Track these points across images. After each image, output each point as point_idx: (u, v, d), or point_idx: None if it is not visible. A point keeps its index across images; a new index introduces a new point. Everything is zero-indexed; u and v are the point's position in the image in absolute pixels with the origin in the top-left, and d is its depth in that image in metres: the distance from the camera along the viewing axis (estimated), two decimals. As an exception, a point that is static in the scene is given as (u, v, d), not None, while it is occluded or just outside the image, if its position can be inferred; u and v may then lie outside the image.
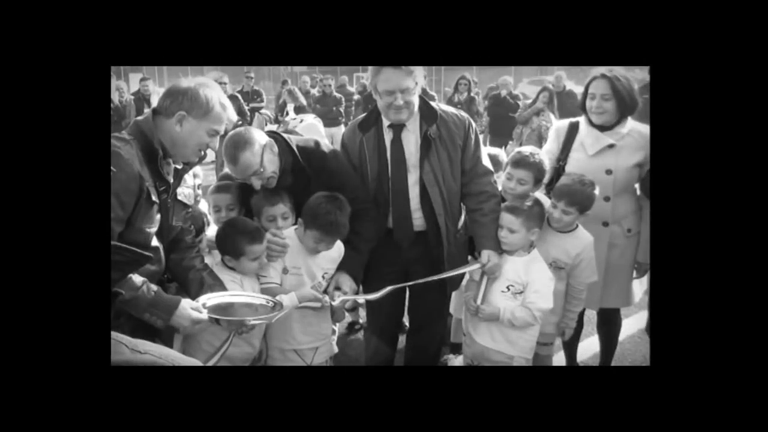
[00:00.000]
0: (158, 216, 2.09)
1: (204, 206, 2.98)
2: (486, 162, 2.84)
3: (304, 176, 2.68)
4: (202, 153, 2.17)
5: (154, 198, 2.01)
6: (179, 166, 2.19)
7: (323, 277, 2.69)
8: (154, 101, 9.70)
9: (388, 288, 2.70)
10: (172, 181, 2.14)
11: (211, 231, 2.74)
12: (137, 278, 1.98)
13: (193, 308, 2.10)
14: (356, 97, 11.57)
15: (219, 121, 2.12)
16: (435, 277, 2.74)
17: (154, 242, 2.14)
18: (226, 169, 2.80)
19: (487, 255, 2.71)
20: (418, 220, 2.78)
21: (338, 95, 10.71)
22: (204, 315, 2.12)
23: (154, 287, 2.02)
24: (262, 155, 2.52)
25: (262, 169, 2.53)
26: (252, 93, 11.22)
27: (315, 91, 11.53)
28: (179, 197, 2.25)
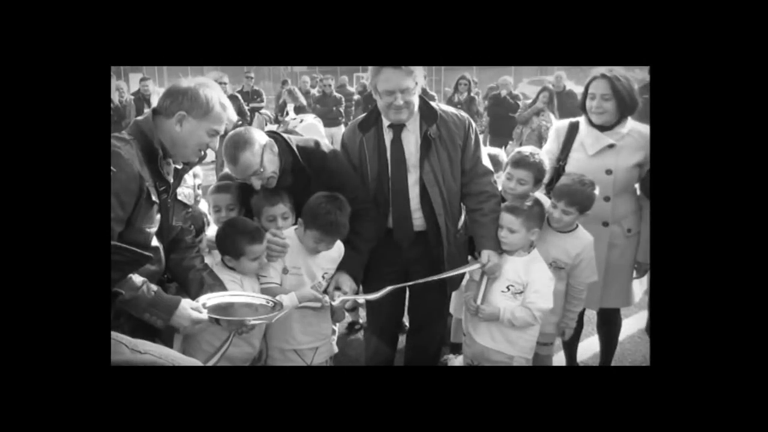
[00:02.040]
0: (158, 216, 2.09)
1: (204, 206, 2.98)
2: (486, 162, 2.84)
3: (304, 176, 2.69)
4: (202, 153, 2.17)
5: (154, 198, 2.01)
6: (179, 166, 2.19)
7: (323, 277, 2.69)
8: (155, 101, 9.70)
9: (389, 288, 2.70)
10: (172, 181, 2.14)
11: (211, 231, 2.74)
12: (137, 278, 1.98)
13: (193, 308, 2.09)
14: (356, 97, 11.56)
15: (219, 121, 2.12)
16: (435, 277, 2.74)
17: (154, 242, 2.13)
18: (226, 169, 2.80)
19: (487, 255, 2.71)
20: (418, 220, 2.78)
21: (338, 95, 10.71)
22: (204, 315, 2.12)
23: (154, 287, 2.02)
24: (262, 155, 2.52)
25: (262, 169, 2.52)
26: (252, 93, 11.22)
27: (315, 91, 11.52)
28: (179, 197, 2.25)
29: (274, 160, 2.61)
